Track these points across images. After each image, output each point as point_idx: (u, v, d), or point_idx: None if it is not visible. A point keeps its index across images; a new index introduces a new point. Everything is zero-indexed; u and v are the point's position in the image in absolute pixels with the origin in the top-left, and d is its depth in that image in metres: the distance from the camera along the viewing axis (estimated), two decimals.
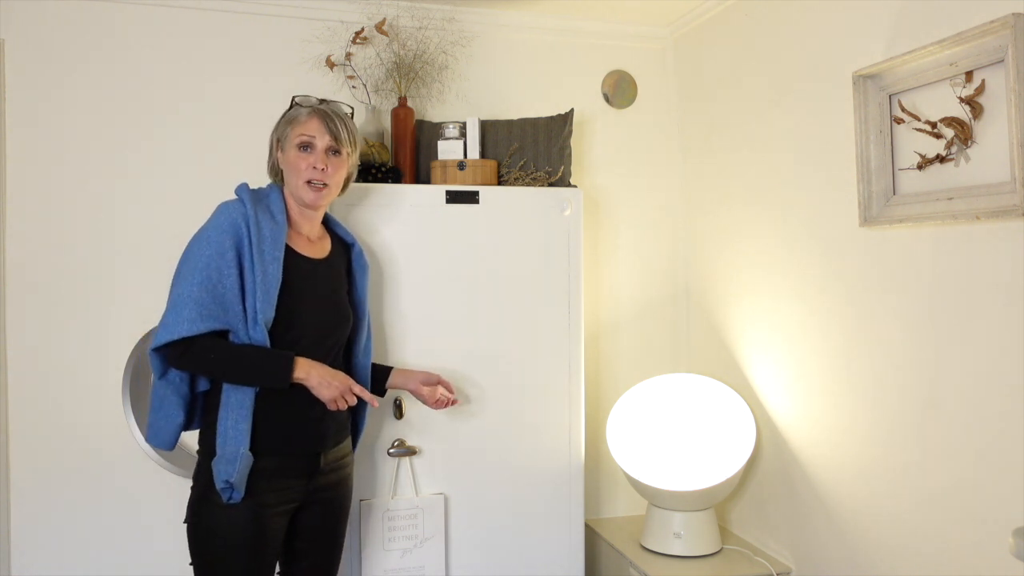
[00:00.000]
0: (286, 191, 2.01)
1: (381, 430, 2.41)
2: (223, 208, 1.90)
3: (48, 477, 2.47)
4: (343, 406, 1.93)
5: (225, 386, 1.85)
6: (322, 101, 2.00)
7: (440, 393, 2.22)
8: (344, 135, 1.97)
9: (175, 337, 1.77)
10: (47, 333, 2.48)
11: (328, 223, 2.13)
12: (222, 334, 1.84)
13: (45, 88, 2.49)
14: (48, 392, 2.48)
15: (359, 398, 1.96)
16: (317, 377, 1.88)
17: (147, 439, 1.97)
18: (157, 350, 1.82)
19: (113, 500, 2.52)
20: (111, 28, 2.54)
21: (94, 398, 2.50)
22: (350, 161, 2.02)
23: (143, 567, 2.53)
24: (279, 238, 1.91)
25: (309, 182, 1.94)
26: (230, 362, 1.82)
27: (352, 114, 2.06)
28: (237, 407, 1.83)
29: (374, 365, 2.21)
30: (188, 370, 1.88)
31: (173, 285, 1.85)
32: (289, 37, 2.70)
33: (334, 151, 1.96)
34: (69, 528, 2.49)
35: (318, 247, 2.05)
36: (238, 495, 1.82)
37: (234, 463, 1.80)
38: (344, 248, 2.15)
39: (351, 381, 1.94)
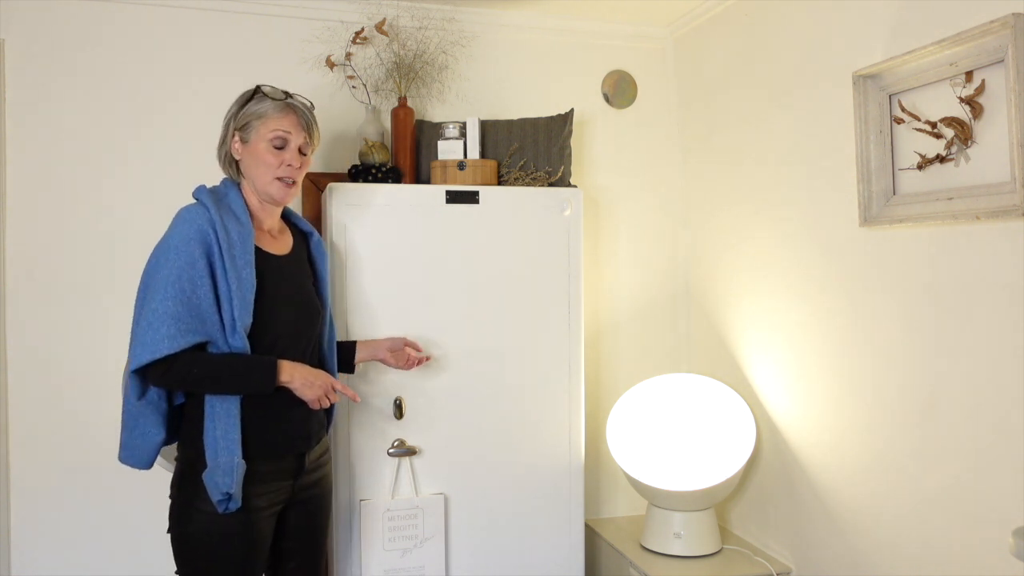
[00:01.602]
0: (245, 186, 1.95)
1: (381, 430, 2.41)
2: (186, 215, 1.82)
3: (48, 477, 2.47)
4: (326, 404, 1.93)
5: (208, 396, 1.81)
6: (287, 94, 1.94)
7: (409, 354, 2.24)
8: (316, 131, 1.96)
9: (157, 356, 1.71)
10: (47, 333, 2.48)
11: (286, 215, 2.09)
12: (200, 346, 1.79)
13: (45, 88, 2.49)
14: (48, 392, 2.48)
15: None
16: (300, 379, 1.86)
17: (121, 459, 1.88)
18: (137, 371, 1.77)
19: (113, 500, 2.52)
20: (111, 28, 2.55)
21: (94, 398, 2.50)
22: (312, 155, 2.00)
23: (143, 567, 2.53)
24: (248, 241, 1.85)
25: (280, 179, 1.90)
26: (214, 375, 1.78)
27: (312, 107, 2.00)
28: (224, 416, 1.80)
29: (338, 344, 2.20)
30: (170, 388, 1.84)
31: (143, 300, 1.78)
32: (289, 37, 2.70)
33: (304, 148, 1.94)
34: (69, 528, 2.49)
35: (281, 242, 2.01)
36: (235, 504, 1.79)
37: (231, 474, 1.76)
38: (303, 238, 2.11)
39: (333, 379, 1.94)
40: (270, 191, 1.91)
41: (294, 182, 1.92)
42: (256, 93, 1.92)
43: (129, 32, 2.56)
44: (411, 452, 2.42)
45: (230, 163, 1.96)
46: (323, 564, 2.13)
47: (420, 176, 2.65)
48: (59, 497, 2.48)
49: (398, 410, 2.41)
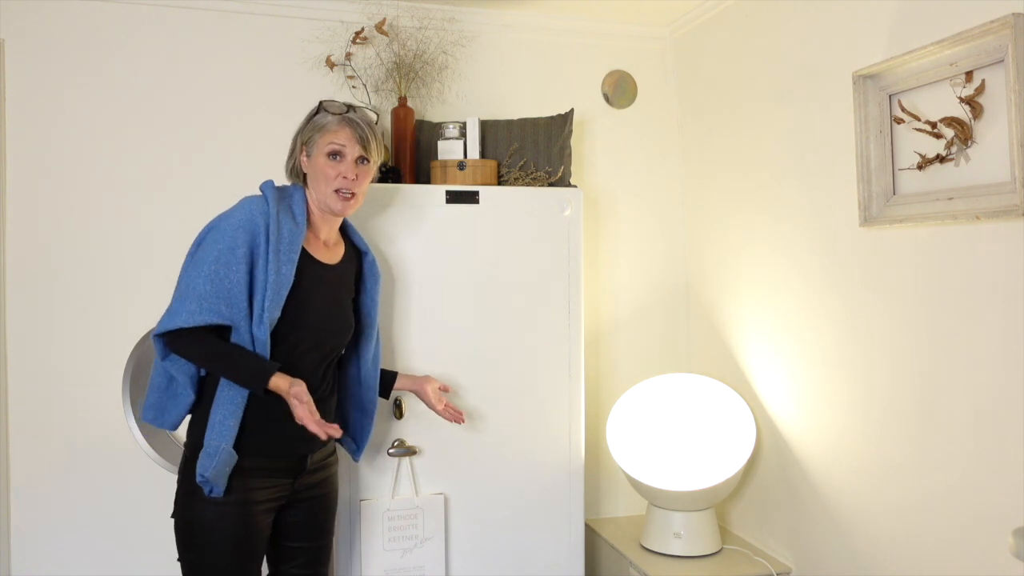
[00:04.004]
0: (309, 194, 2.00)
1: (381, 430, 2.41)
2: (245, 203, 1.90)
3: (48, 477, 2.47)
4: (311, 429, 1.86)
5: (221, 381, 1.85)
6: (349, 108, 1.97)
7: (447, 403, 2.25)
8: (373, 144, 1.97)
9: (172, 327, 1.79)
10: (47, 332, 2.48)
11: (345, 229, 2.13)
12: (225, 328, 1.84)
13: (45, 88, 2.49)
14: (48, 392, 2.48)
15: (338, 414, 2.06)
16: (294, 393, 1.82)
17: (147, 419, 1.94)
18: (160, 336, 1.84)
19: (113, 499, 2.52)
20: (111, 28, 2.55)
21: (94, 398, 2.50)
22: (375, 169, 2.02)
23: (142, 566, 2.53)
24: (296, 240, 1.90)
25: (337, 191, 1.94)
26: (214, 355, 1.83)
27: (377, 120, 2.03)
28: (228, 403, 1.84)
29: (381, 371, 2.22)
30: (181, 355, 1.89)
31: (183, 272, 1.86)
32: (289, 37, 2.70)
33: (363, 160, 1.96)
34: (69, 528, 2.49)
35: (332, 252, 2.05)
36: (218, 490, 1.82)
37: (213, 457, 1.80)
38: (357, 255, 2.14)
39: (309, 416, 1.82)
40: (329, 203, 1.95)
41: (352, 194, 1.95)
42: (320, 108, 1.98)
43: (129, 32, 2.56)
44: (411, 452, 2.42)
45: (297, 175, 2.02)
46: (329, 564, 2.13)
47: (420, 176, 2.65)
48: (59, 497, 2.48)
49: (398, 410, 2.41)
